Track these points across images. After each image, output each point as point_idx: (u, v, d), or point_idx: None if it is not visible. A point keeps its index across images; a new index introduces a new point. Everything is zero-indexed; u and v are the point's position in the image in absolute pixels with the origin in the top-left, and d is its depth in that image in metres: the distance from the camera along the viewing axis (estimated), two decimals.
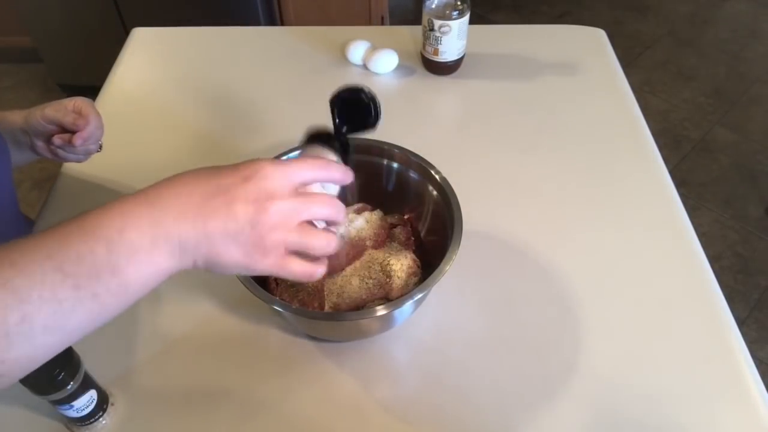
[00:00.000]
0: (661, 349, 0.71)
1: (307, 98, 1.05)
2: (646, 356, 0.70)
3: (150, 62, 1.15)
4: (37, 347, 0.37)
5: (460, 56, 1.06)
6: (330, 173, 0.47)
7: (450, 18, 0.99)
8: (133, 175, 0.91)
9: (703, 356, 0.70)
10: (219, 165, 0.46)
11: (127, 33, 1.20)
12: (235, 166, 0.44)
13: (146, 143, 0.97)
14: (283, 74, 1.10)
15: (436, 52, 1.04)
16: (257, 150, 0.93)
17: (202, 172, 0.44)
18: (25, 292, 0.35)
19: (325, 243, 0.44)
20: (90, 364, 0.65)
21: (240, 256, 0.42)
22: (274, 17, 2.05)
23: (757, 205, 2.02)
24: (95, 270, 0.37)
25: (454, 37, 1.01)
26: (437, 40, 1.02)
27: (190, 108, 1.03)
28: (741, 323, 1.68)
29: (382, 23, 2.18)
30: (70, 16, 2.06)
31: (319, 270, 0.46)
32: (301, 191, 0.45)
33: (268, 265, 0.43)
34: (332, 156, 0.58)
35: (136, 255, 0.39)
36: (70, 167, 0.92)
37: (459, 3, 1.00)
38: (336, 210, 0.46)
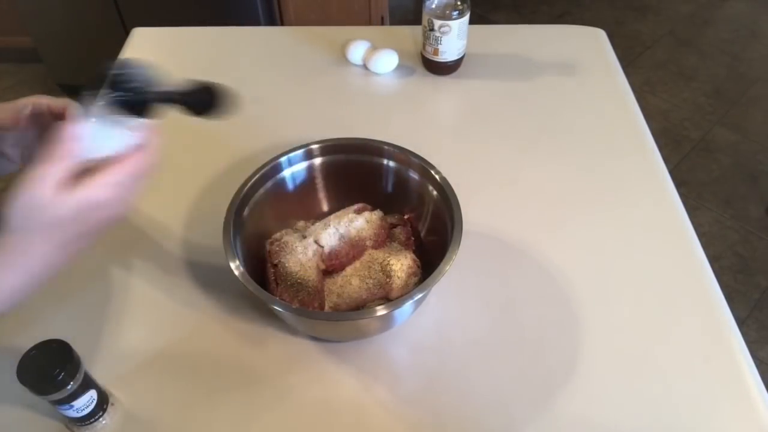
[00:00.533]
0: (661, 349, 0.71)
1: (307, 98, 1.05)
2: (646, 356, 0.70)
3: (150, 62, 1.15)
4: None
5: (460, 56, 1.06)
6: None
7: (450, 18, 0.99)
8: None
9: (703, 356, 0.70)
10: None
11: (127, 33, 1.20)
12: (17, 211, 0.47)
13: None
14: (283, 74, 1.10)
15: (436, 52, 1.04)
16: (257, 149, 0.93)
17: None
18: None
19: (116, 211, 0.50)
20: (90, 364, 0.65)
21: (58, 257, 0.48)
22: (274, 17, 2.05)
23: (757, 205, 2.02)
24: None
25: (454, 37, 1.01)
26: (437, 40, 1.02)
27: None
28: (741, 323, 1.67)
29: (382, 23, 2.18)
30: (70, 16, 2.06)
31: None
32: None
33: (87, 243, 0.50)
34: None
35: None
36: None
37: (459, 3, 0.99)
38: (116, 191, 0.49)
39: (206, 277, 0.77)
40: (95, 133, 0.49)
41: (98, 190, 0.48)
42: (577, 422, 0.65)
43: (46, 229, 0.46)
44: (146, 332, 0.72)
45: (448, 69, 1.07)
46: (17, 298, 0.48)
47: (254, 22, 1.98)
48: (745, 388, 0.67)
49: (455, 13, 0.99)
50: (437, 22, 1.00)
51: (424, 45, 1.06)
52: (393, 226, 0.78)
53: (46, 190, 0.45)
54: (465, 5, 1.00)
